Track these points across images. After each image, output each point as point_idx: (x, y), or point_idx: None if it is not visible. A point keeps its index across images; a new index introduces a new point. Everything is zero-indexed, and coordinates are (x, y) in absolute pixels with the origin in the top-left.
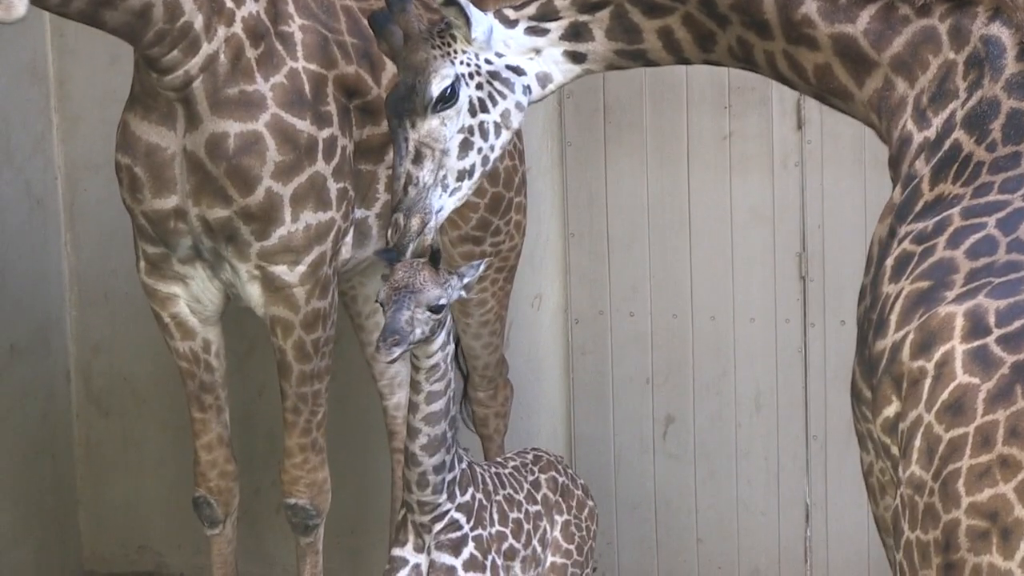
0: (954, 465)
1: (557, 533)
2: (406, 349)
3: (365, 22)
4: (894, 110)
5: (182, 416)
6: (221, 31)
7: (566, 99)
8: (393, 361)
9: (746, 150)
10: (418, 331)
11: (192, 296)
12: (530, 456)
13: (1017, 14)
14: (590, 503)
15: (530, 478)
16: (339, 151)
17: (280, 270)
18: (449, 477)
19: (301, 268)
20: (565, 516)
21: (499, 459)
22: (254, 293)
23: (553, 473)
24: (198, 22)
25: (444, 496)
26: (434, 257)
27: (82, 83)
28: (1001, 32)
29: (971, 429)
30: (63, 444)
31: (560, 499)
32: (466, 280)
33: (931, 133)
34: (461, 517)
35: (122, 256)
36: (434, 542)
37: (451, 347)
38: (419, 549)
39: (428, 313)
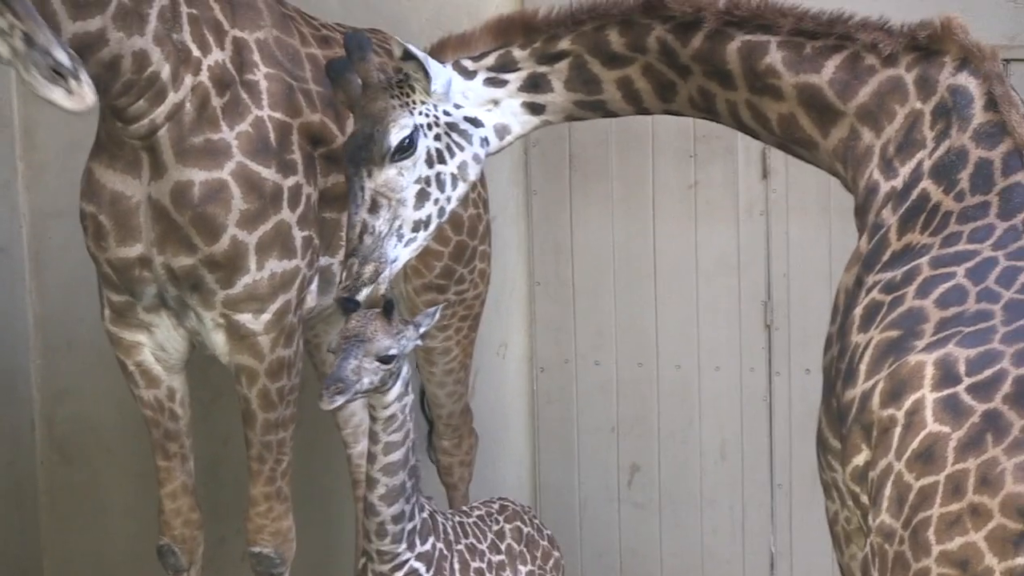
0: (924, 513)
1: None
2: (350, 398)
3: None
4: (860, 159)
5: (147, 464)
6: (188, 80)
7: (532, 148)
8: (336, 409)
9: (711, 199)
10: (366, 381)
11: (157, 344)
12: (496, 506)
13: (984, 64)
14: (556, 554)
15: (495, 528)
16: (304, 199)
17: (245, 318)
18: (409, 527)
19: (266, 316)
20: (529, 567)
21: (464, 508)
22: (219, 341)
23: (518, 523)
24: (165, 72)
25: (404, 546)
26: (387, 307)
27: (47, 130)
28: (968, 82)
29: (942, 477)
30: (28, 492)
31: (524, 549)
32: (422, 329)
33: (898, 183)
34: (421, 566)
35: (87, 304)
36: None
37: (409, 398)
38: None
39: (377, 363)
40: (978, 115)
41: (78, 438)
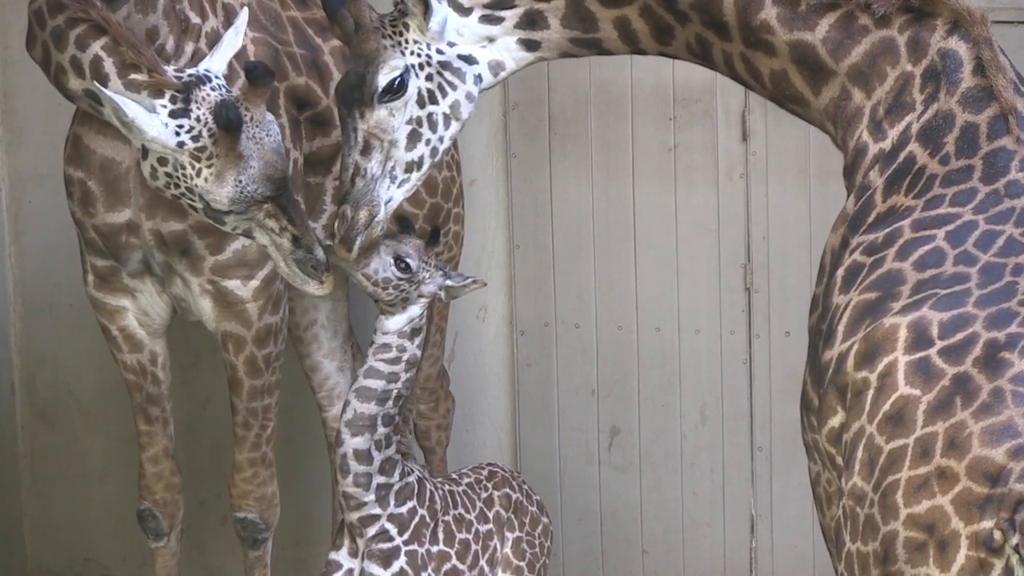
0: (893, 477)
1: (508, 550)
2: (353, 252)
3: (311, 32)
4: (850, 120)
5: (127, 428)
6: (188, 47)
7: (511, 111)
8: (333, 242)
9: (691, 162)
10: (372, 263)
11: (140, 309)
12: (485, 472)
13: (974, 28)
14: (544, 520)
15: (483, 495)
16: (291, 164)
17: (233, 284)
18: (380, 480)
19: (254, 283)
20: (517, 533)
21: (454, 475)
22: (206, 307)
23: (507, 490)
24: (169, 44)
25: (371, 496)
26: (435, 234)
27: (27, 94)
28: (959, 46)
29: (911, 441)
30: (8, 456)
31: (512, 516)
32: (448, 281)
33: (886, 144)
34: (392, 528)
35: (67, 268)
36: (366, 550)
37: (412, 352)
38: (353, 554)
39: (391, 259)
40: (966, 79)
41: (58, 402)
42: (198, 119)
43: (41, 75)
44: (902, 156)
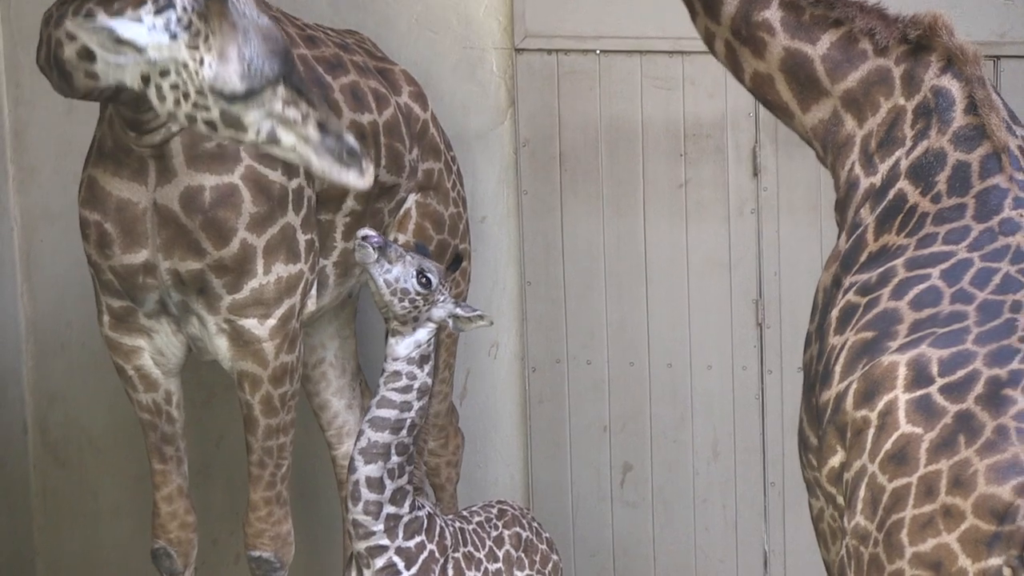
0: (898, 515)
1: None
2: (378, 249)
3: (320, 70)
4: (840, 147)
5: (139, 466)
6: None
7: (522, 147)
8: (362, 239)
9: (702, 197)
10: (396, 270)
11: (156, 349)
12: (495, 510)
13: (967, 67)
14: (554, 557)
15: (493, 534)
16: (306, 201)
17: (250, 323)
18: (390, 510)
19: (271, 322)
20: (527, 572)
21: (464, 512)
22: (222, 346)
23: (517, 528)
24: None
25: (380, 526)
26: (455, 263)
27: (38, 133)
28: (951, 84)
29: (914, 479)
30: (20, 495)
31: (522, 555)
32: (457, 310)
33: (877, 180)
34: (400, 561)
35: (78, 306)
36: None
37: (423, 379)
38: None
39: (415, 271)
40: (958, 118)
41: (70, 441)
42: (184, 8)
43: (53, 114)
44: (892, 193)
